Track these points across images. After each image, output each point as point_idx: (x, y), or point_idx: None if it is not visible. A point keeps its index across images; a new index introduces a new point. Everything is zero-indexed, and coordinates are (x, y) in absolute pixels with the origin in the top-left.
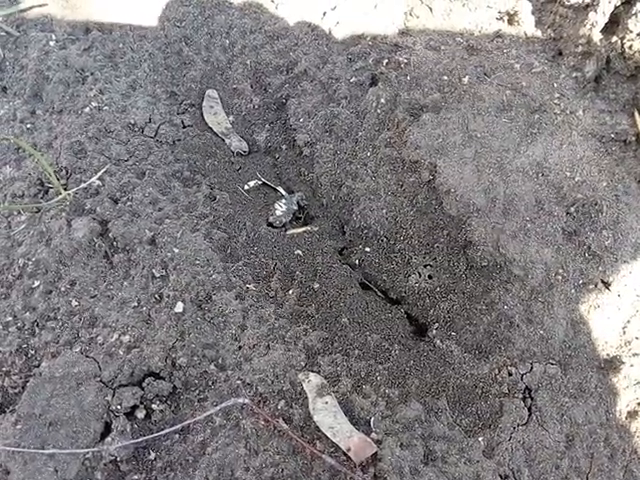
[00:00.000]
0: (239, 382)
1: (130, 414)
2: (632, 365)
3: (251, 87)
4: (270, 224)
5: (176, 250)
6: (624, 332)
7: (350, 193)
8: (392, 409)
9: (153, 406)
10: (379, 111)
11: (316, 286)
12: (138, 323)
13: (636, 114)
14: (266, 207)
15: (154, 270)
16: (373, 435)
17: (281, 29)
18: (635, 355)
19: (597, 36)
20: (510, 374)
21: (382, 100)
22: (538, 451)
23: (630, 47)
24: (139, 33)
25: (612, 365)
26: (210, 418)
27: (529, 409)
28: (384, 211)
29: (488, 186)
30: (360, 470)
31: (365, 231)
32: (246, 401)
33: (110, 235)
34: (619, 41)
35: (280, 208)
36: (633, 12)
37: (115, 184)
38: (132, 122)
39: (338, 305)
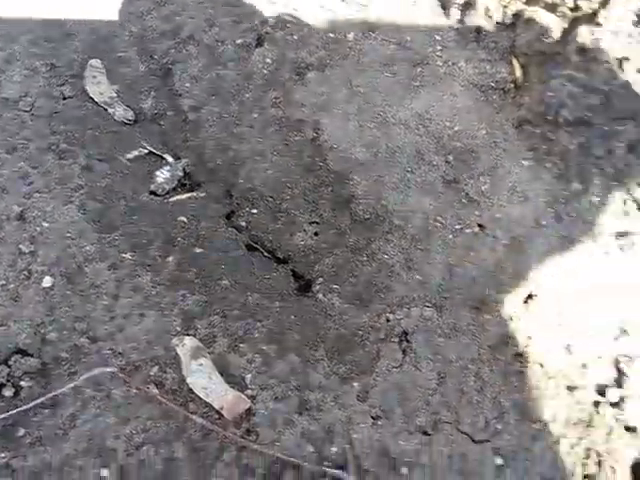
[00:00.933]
0: (109, 352)
1: None
2: (503, 302)
3: (137, 54)
4: (153, 192)
5: (45, 224)
6: (498, 272)
7: (236, 156)
8: (268, 364)
9: (22, 383)
10: (265, 72)
11: (198, 251)
12: (6, 301)
13: (514, 61)
14: (149, 175)
15: (22, 246)
16: (248, 392)
17: None
18: (506, 293)
19: None
20: (388, 320)
21: (268, 60)
22: (410, 390)
23: None
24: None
25: (484, 303)
26: (80, 390)
27: (404, 351)
28: (270, 172)
29: (370, 140)
30: (233, 427)
31: (251, 193)
32: (114, 370)
33: None
34: None
35: (162, 175)
36: None
37: None
38: (6, 97)
39: (219, 268)
